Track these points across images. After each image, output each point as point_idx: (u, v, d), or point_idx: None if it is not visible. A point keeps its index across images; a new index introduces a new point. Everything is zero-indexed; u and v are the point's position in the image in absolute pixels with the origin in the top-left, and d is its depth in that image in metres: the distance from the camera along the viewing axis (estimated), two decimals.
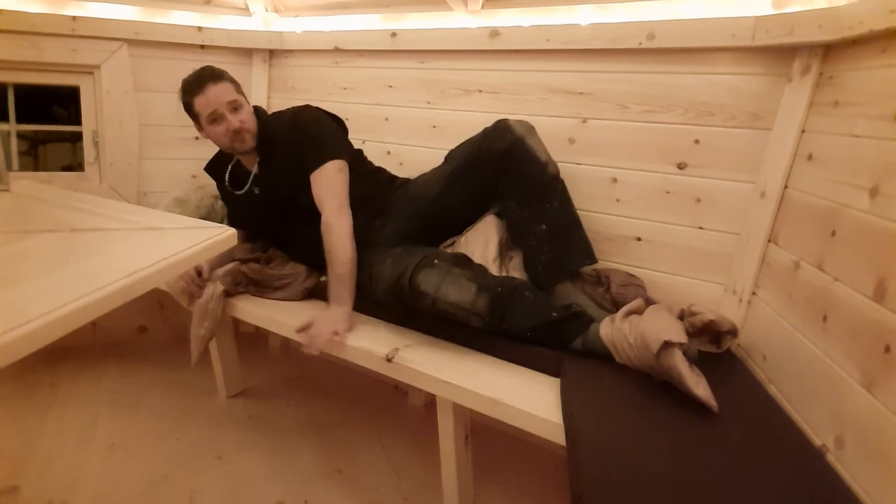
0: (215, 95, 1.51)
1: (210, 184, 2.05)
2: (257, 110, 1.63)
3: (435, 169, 1.60)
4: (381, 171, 1.72)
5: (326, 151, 1.53)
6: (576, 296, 1.37)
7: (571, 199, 1.46)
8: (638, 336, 1.12)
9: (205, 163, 1.93)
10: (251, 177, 1.65)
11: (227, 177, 1.71)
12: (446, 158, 1.59)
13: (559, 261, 1.39)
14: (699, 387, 1.02)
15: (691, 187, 1.45)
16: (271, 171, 1.62)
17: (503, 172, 1.43)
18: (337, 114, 1.88)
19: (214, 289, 1.54)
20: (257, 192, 1.65)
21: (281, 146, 1.59)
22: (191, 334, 1.58)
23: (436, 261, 1.25)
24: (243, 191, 1.67)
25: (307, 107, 1.65)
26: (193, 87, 1.53)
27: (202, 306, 1.54)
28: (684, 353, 1.06)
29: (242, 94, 1.59)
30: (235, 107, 1.53)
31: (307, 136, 1.57)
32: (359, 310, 1.46)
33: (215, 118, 1.52)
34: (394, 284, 1.26)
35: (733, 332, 1.24)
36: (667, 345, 1.05)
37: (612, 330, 1.18)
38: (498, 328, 1.24)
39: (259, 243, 1.79)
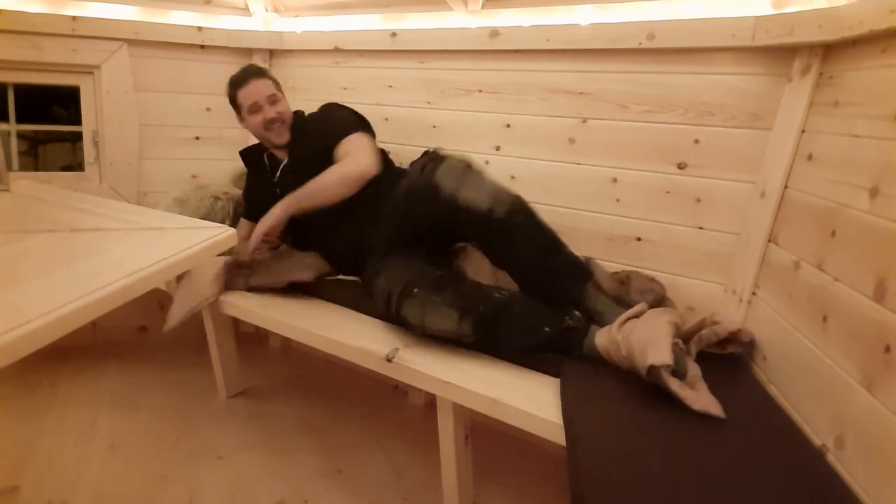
0: (256, 89, 1.66)
1: (210, 184, 2.06)
2: (297, 112, 1.75)
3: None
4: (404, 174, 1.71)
5: (353, 127, 1.65)
6: (595, 297, 1.30)
7: (540, 222, 1.29)
8: (628, 350, 1.10)
9: (205, 163, 1.94)
10: (281, 166, 1.74)
11: (263, 163, 1.78)
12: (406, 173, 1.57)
13: (549, 290, 1.28)
14: (697, 402, 1.01)
15: (691, 187, 1.45)
16: (300, 161, 1.68)
17: (446, 227, 1.33)
18: None
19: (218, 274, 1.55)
20: (288, 178, 1.70)
21: (311, 136, 1.69)
22: (176, 301, 1.58)
23: (415, 290, 1.24)
24: (276, 178, 1.74)
25: (335, 103, 1.76)
26: (239, 80, 1.69)
27: (194, 285, 1.54)
28: (680, 358, 1.06)
29: (282, 92, 1.73)
30: (274, 100, 1.68)
31: (333, 119, 1.70)
32: (359, 310, 1.46)
33: (255, 109, 1.66)
34: (385, 307, 1.31)
35: (752, 343, 1.24)
36: (652, 368, 1.03)
37: (608, 340, 1.16)
38: (493, 346, 1.23)
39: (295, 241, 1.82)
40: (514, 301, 1.23)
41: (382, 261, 1.40)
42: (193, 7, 2.10)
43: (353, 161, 1.57)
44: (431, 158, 1.32)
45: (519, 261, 1.30)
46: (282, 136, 1.69)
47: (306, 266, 1.58)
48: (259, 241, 1.55)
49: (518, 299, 1.25)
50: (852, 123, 1.04)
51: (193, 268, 1.56)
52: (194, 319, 1.59)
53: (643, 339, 1.08)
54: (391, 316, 1.30)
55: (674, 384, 1.02)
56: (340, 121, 1.69)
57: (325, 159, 1.61)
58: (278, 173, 1.74)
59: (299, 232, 1.73)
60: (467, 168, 1.27)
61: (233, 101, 1.72)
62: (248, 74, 1.69)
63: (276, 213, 1.54)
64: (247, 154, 1.86)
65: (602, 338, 1.18)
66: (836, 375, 0.94)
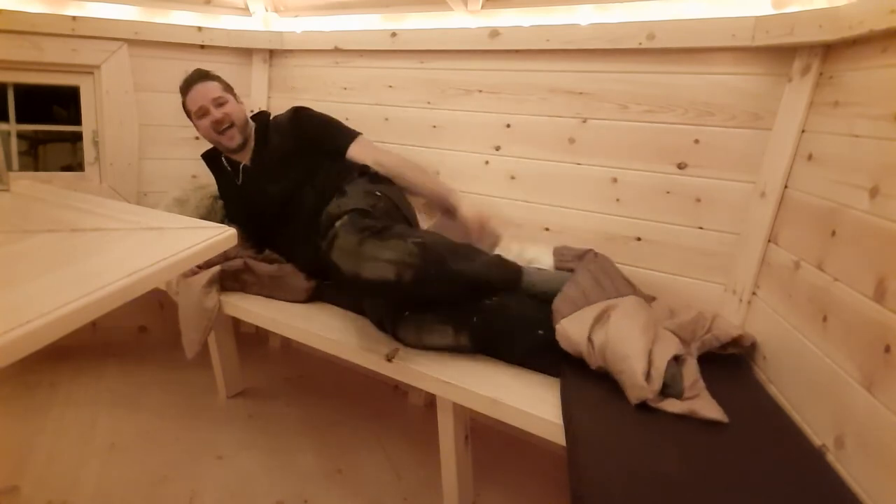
0: (201, 93, 1.64)
1: (210, 184, 2.05)
2: (259, 113, 1.72)
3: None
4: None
5: (349, 131, 1.69)
6: (532, 289, 1.30)
7: (456, 263, 1.21)
8: (605, 368, 1.08)
9: (204, 163, 1.92)
10: (241, 168, 1.70)
11: (223, 166, 1.75)
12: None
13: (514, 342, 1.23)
14: (700, 411, 0.99)
15: (691, 187, 1.45)
16: (265, 163, 1.65)
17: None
18: (337, 114, 1.89)
19: (210, 282, 1.54)
20: (253, 180, 1.68)
21: (280, 140, 1.66)
22: (186, 327, 1.58)
23: (406, 313, 1.25)
24: (240, 181, 1.71)
25: (303, 107, 1.74)
26: (183, 87, 1.68)
27: (196, 305, 1.53)
28: (673, 379, 1.04)
29: (232, 93, 1.71)
30: (220, 103, 1.64)
31: (322, 125, 1.69)
32: (358, 311, 1.46)
33: (201, 114, 1.65)
34: (381, 328, 1.33)
35: (753, 346, 1.24)
36: (638, 405, 1.01)
37: (585, 352, 1.13)
38: (493, 351, 1.24)
39: (261, 247, 1.78)
40: (504, 306, 1.22)
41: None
42: (193, 7, 2.10)
43: (384, 156, 1.64)
44: (325, 234, 1.20)
45: (450, 299, 1.24)
46: (233, 140, 1.65)
47: (300, 290, 1.56)
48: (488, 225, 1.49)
49: (509, 303, 1.24)
50: (852, 123, 1.04)
51: (183, 287, 1.57)
52: None
53: (617, 359, 1.05)
54: (390, 334, 1.32)
55: (670, 407, 1.00)
56: (332, 126, 1.71)
57: (297, 165, 1.61)
58: (240, 176, 1.71)
59: (280, 245, 1.70)
60: (362, 241, 1.13)
61: (184, 108, 1.71)
62: (192, 80, 1.67)
63: (469, 207, 1.51)
64: (207, 158, 1.81)
65: (571, 345, 1.13)
66: (836, 375, 0.94)
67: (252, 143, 1.70)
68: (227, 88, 1.70)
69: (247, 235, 1.76)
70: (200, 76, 1.68)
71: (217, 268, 1.56)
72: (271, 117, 1.77)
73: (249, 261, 1.60)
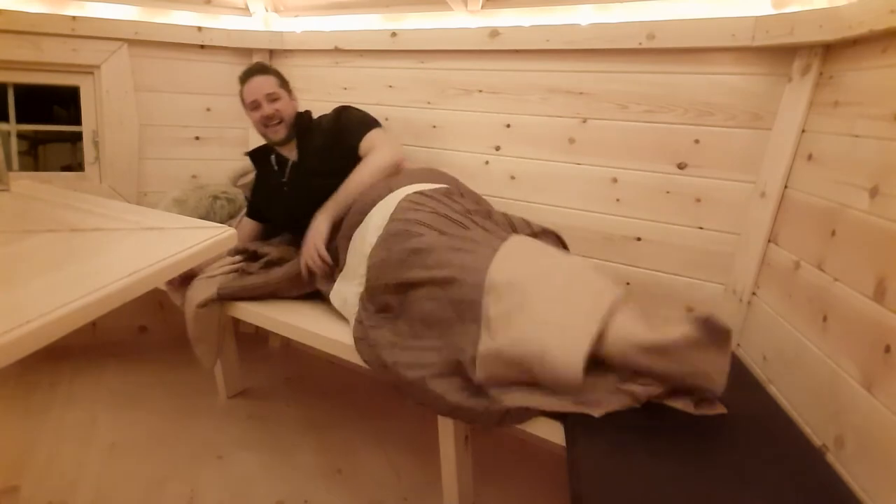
0: (257, 86, 1.70)
1: (209, 184, 2.05)
2: (305, 112, 1.78)
3: None
4: None
5: (373, 124, 1.69)
6: None
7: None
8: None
9: (204, 163, 1.94)
10: (289, 165, 1.75)
11: (270, 163, 1.78)
12: None
13: None
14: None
15: (691, 187, 1.45)
16: (309, 159, 1.70)
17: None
18: None
19: (209, 295, 1.55)
20: (298, 177, 1.71)
21: (322, 136, 1.71)
22: (197, 341, 1.59)
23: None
24: (285, 177, 1.74)
25: (346, 105, 1.78)
26: (243, 77, 1.74)
27: (200, 317, 1.54)
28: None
29: (287, 89, 1.76)
30: (273, 98, 1.70)
31: (350, 118, 1.72)
32: None
33: (254, 106, 1.70)
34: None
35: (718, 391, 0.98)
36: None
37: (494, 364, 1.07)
38: None
39: (275, 238, 1.82)
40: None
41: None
42: (193, 7, 2.10)
43: (380, 154, 1.61)
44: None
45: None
46: (278, 133, 1.71)
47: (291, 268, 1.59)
48: (317, 259, 1.50)
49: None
50: (852, 123, 1.04)
51: (187, 302, 1.58)
52: None
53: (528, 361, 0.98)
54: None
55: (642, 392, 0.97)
56: (356, 120, 1.71)
57: (336, 159, 1.64)
58: (287, 172, 1.75)
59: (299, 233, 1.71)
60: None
61: (240, 96, 1.76)
62: (251, 72, 1.73)
63: (322, 226, 1.52)
64: (255, 155, 1.86)
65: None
66: (836, 375, 0.94)
67: (295, 140, 1.74)
68: (283, 84, 1.75)
69: (273, 231, 1.82)
70: (259, 69, 1.75)
71: (216, 283, 1.58)
72: (314, 117, 1.82)
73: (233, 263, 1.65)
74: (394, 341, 1.20)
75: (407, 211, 1.35)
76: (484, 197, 1.74)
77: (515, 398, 1.00)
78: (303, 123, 1.75)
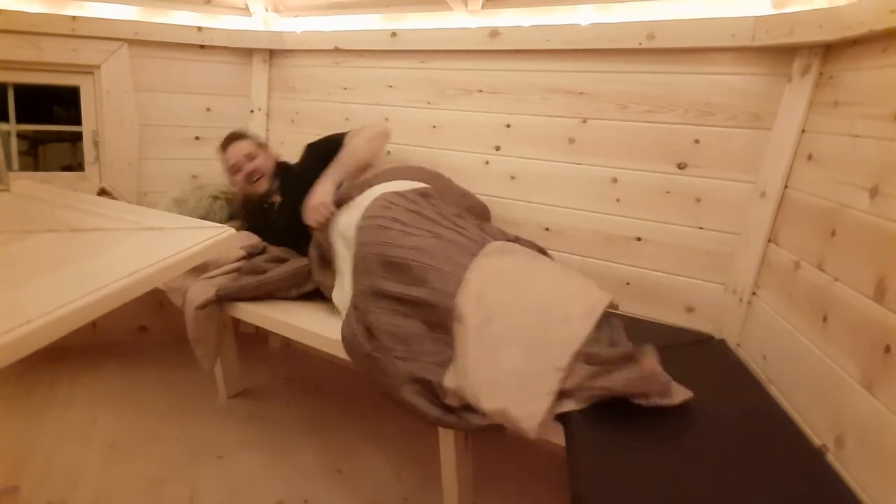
0: (234, 151, 1.84)
1: (209, 184, 2.05)
2: (282, 162, 1.90)
3: None
4: None
5: (343, 133, 1.76)
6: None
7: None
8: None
9: (204, 163, 1.96)
10: (275, 206, 1.84)
11: (261, 208, 1.88)
12: None
13: None
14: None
15: (691, 187, 1.45)
16: (294, 194, 1.70)
17: None
18: (337, 114, 1.88)
19: (208, 296, 1.55)
20: (284, 211, 1.78)
21: (301, 167, 1.79)
22: (198, 342, 1.58)
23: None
24: (276, 206, 1.83)
25: (311, 143, 1.85)
26: (222, 147, 1.88)
27: (200, 319, 1.54)
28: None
29: (263, 147, 1.90)
30: (251, 157, 1.83)
31: (321, 141, 1.79)
32: None
33: (235, 170, 1.84)
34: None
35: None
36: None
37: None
38: None
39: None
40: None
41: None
42: (193, 7, 2.10)
43: (369, 128, 1.74)
44: None
45: None
46: (261, 186, 1.82)
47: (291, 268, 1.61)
48: (324, 212, 1.53)
49: None
50: (852, 123, 1.04)
51: (188, 304, 1.58)
52: None
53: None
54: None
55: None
56: (328, 138, 1.79)
57: (322, 169, 1.66)
58: (274, 213, 1.83)
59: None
60: None
61: (223, 164, 1.89)
62: (229, 140, 1.88)
63: (327, 185, 1.59)
64: (245, 209, 1.94)
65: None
66: (836, 375, 0.94)
67: (277, 185, 1.83)
68: (259, 145, 1.89)
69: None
70: (235, 137, 1.89)
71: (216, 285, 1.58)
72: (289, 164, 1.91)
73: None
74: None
75: (382, 209, 1.38)
76: (484, 197, 1.75)
77: (483, 420, 1.04)
78: (282, 169, 1.85)
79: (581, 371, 1.01)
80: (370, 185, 1.54)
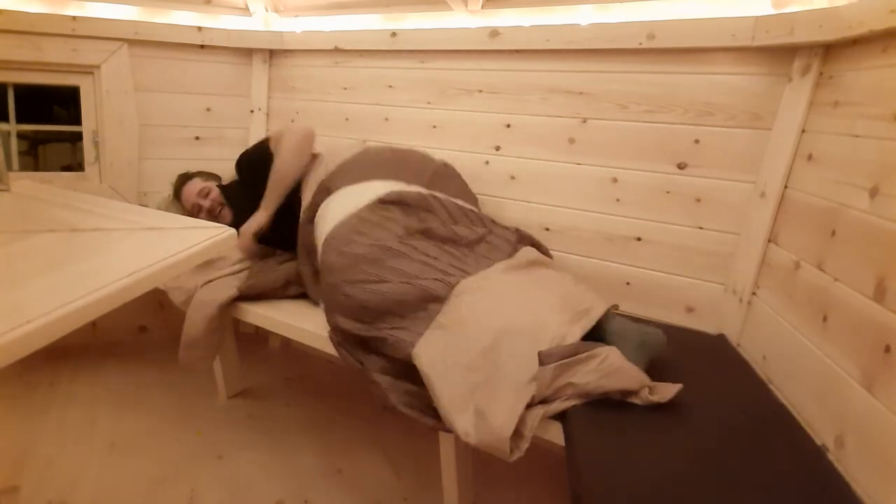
0: (189, 192, 1.88)
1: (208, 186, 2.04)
2: (224, 185, 1.93)
3: None
4: None
5: (266, 140, 1.78)
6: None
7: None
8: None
9: (204, 163, 1.96)
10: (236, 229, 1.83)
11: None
12: None
13: None
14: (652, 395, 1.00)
15: (691, 187, 1.45)
16: (245, 210, 1.74)
17: None
18: (337, 114, 1.87)
19: (230, 294, 1.55)
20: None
21: (244, 188, 1.81)
22: (189, 351, 1.57)
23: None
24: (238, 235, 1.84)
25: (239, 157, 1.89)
26: (174, 195, 1.95)
27: (212, 319, 1.54)
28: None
29: (213, 179, 1.96)
30: (205, 193, 1.86)
31: (245, 154, 1.85)
32: None
33: (196, 210, 1.86)
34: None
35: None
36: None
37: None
38: None
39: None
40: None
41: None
42: (193, 7, 2.10)
43: (289, 134, 1.70)
44: None
45: None
46: (225, 218, 1.84)
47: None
48: (244, 243, 1.67)
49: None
50: (852, 123, 1.04)
51: (196, 304, 1.57)
52: None
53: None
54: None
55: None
56: (252, 148, 1.84)
57: (263, 181, 1.70)
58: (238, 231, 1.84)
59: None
60: None
61: (182, 210, 1.92)
62: (178, 186, 1.93)
63: (260, 217, 1.67)
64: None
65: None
66: (836, 375, 0.94)
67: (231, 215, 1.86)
68: (207, 178, 1.94)
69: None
70: (182, 181, 1.94)
71: (234, 291, 1.57)
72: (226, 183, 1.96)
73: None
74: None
75: (346, 241, 1.30)
76: (484, 197, 1.75)
77: None
78: (228, 194, 1.87)
79: (545, 374, 1.00)
80: (338, 186, 1.51)
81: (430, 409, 1.10)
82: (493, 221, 1.50)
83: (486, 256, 1.35)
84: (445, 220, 1.42)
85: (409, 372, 1.14)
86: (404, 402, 1.14)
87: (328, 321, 1.31)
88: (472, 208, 1.53)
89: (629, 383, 1.00)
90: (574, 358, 1.01)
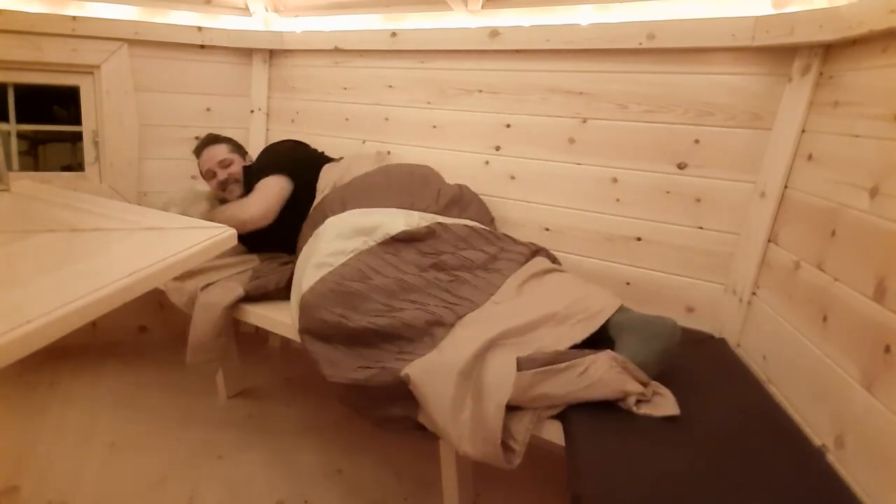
0: (209, 156, 1.85)
1: (205, 185, 2.04)
2: (248, 165, 1.88)
3: None
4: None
5: (273, 170, 1.75)
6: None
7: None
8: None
9: None
10: None
11: None
12: None
13: None
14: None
15: (691, 187, 1.45)
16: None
17: None
18: (337, 114, 1.86)
19: (237, 294, 1.55)
20: None
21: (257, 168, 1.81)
22: (200, 346, 1.55)
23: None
24: None
25: (273, 143, 1.90)
26: (196, 151, 1.90)
27: (218, 320, 1.53)
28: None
29: (240, 152, 1.90)
30: (226, 164, 1.83)
31: (261, 160, 1.84)
32: None
33: (209, 176, 1.85)
34: None
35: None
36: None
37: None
38: None
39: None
40: None
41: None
42: (193, 7, 2.10)
43: (243, 207, 1.69)
44: None
45: None
46: (233, 193, 1.81)
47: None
48: None
49: None
50: (852, 123, 1.04)
51: (207, 308, 1.56)
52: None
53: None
54: None
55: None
56: (264, 162, 1.83)
57: None
58: None
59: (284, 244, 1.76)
60: None
61: (198, 168, 1.91)
62: (203, 144, 1.88)
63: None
64: None
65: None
66: (836, 375, 0.94)
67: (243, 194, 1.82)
68: (235, 149, 1.88)
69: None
70: (210, 141, 1.88)
71: (240, 290, 1.56)
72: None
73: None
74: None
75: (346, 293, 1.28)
76: (484, 197, 1.74)
77: None
78: (247, 173, 1.83)
79: (522, 380, 0.98)
80: (343, 208, 1.51)
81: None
82: (508, 237, 1.48)
83: (498, 271, 1.33)
84: (456, 247, 1.39)
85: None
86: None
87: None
88: (485, 228, 1.50)
89: (611, 394, 0.99)
90: (552, 367, 0.99)
